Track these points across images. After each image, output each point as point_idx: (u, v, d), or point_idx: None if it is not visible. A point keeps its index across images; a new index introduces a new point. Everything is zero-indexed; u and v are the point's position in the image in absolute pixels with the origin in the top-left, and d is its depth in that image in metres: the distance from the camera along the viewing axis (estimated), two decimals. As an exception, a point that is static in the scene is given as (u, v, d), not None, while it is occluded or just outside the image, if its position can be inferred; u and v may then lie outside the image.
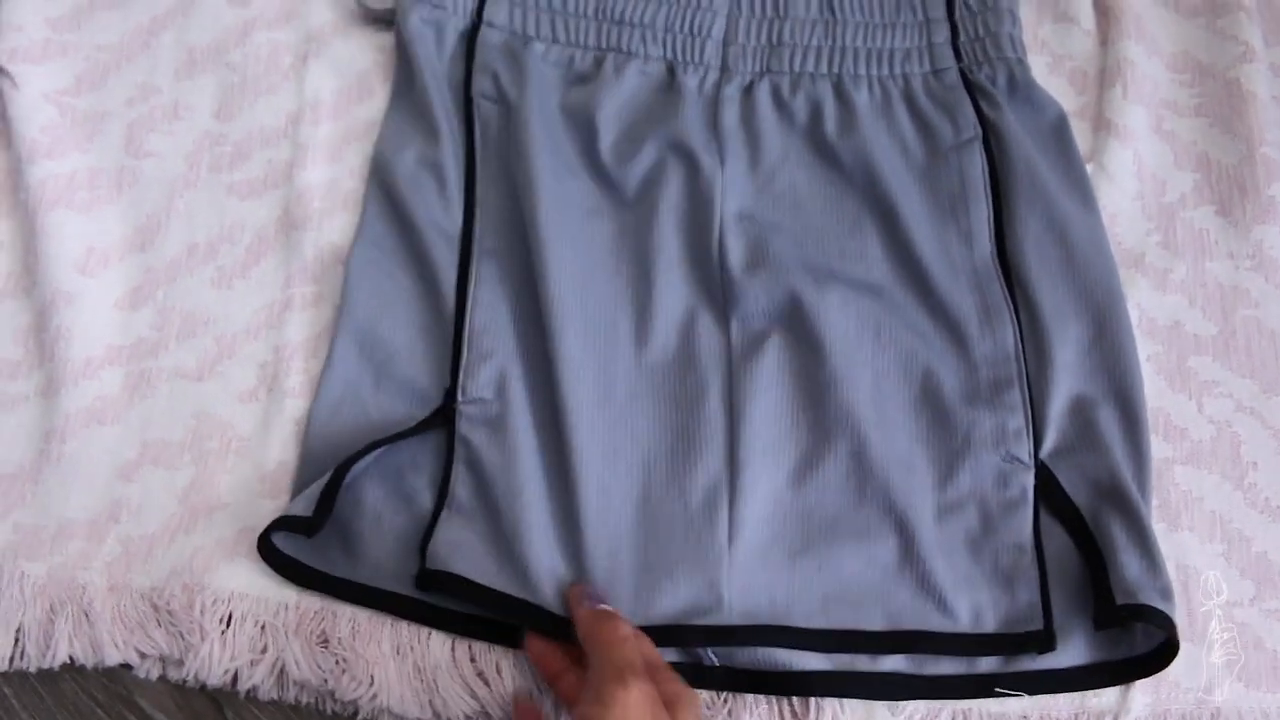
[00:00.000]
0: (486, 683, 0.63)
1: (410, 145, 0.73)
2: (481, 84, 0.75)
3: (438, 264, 0.69)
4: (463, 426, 0.65)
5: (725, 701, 0.63)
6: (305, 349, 0.70)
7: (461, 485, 0.64)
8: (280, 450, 0.67)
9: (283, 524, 0.61)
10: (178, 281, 0.73)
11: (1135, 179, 0.76)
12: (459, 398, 0.66)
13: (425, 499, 0.65)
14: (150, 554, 0.65)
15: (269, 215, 0.74)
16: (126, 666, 0.65)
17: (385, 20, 0.79)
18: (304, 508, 0.61)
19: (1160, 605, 0.60)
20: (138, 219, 0.74)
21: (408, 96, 0.75)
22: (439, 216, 0.71)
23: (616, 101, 0.74)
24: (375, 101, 0.77)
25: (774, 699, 0.63)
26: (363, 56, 0.79)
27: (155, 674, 0.64)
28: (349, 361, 0.68)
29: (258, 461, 0.67)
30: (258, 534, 0.63)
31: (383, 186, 0.72)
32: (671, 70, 0.76)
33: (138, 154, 0.76)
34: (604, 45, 0.76)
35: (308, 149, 0.75)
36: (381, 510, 0.64)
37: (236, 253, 0.73)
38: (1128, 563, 0.61)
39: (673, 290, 0.69)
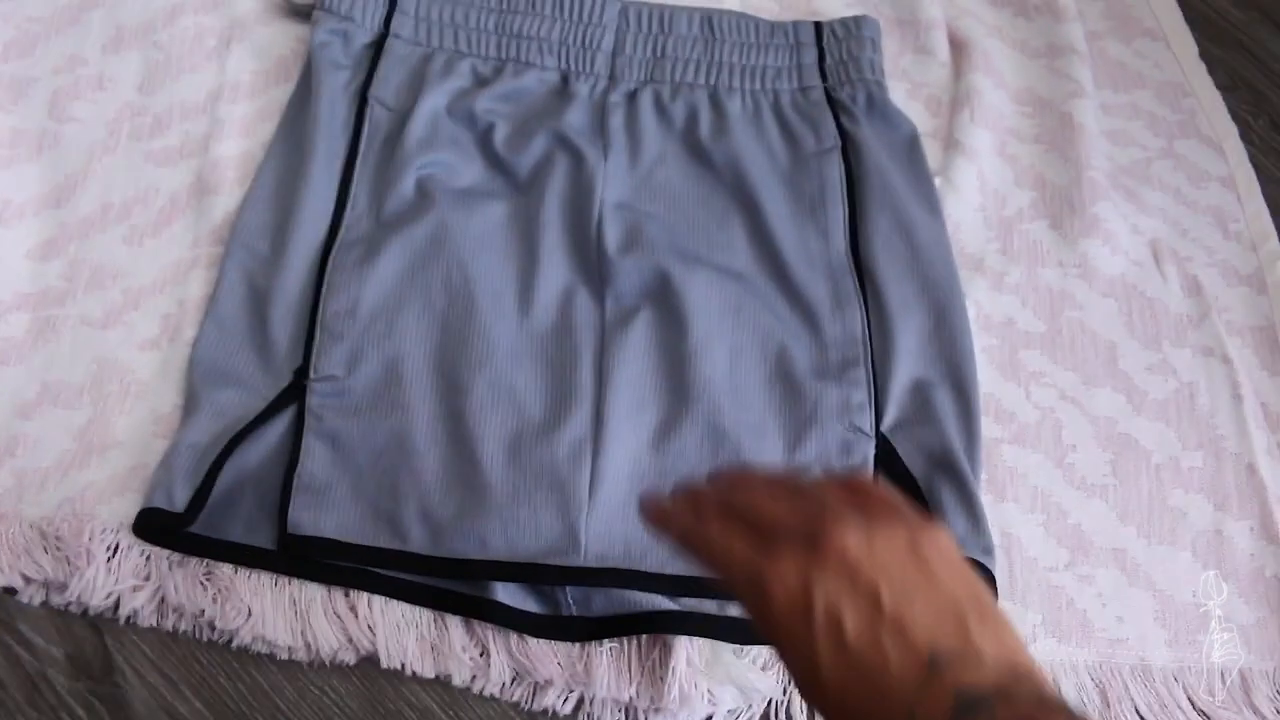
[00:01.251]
0: (357, 616, 0.66)
1: (298, 139, 0.78)
2: (379, 89, 0.80)
3: (304, 249, 0.74)
4: (314, 402, 0.69)
5: (583, 649, 0.66)
6: (208, 304, 0.73)
7: (312, 456, 0.67)
8: (177, 395, 0.71)
9: (155, 517, 0.64)
10: (90, 237, 0.76)
11: (979, 193, 0.84)
12: (310, 375, 0.70)
13: (275, 468, 0.68)
14: (43, 486, 0.68)
15: (183, 181, 0.79)
16: (10, 592, 0.66)
17: (305, 13, 0.85)
18: (167, 498, 0.64)
19: (982, 559, 0.66)
20: (56, 178, 0.78)
21: (304, 99, 0.80)
22: (313, 206, 0.75)
23: (513, 100, 0.81)
24: (292, 85, 0.82)
25: (625, 640, 0.66)
26: (283, 43, 0.85)
27: (38, 599, 0.66)
28: (234, 306, 0.72)
29: (154, 405, 0.70)
30: (151, 470, 0.66)
31: (271, 168, 0.77)
32: (565, 78, 0.83)
33: (60, 118, 0.80)
34: (503, 56, 0.82)
35: (225, 123, 0.80)
36: (242, 480, 0.67)
37: (149, 214, 0.77)
38: (954, 522, 0.67)
39: (554, 268, 0.75)
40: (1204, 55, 0.94)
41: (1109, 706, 0.67)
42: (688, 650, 0.65)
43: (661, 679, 0.64)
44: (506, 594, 0.65)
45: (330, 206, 0.76)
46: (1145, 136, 0.89)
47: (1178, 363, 0.78)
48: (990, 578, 0.66)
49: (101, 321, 0.73)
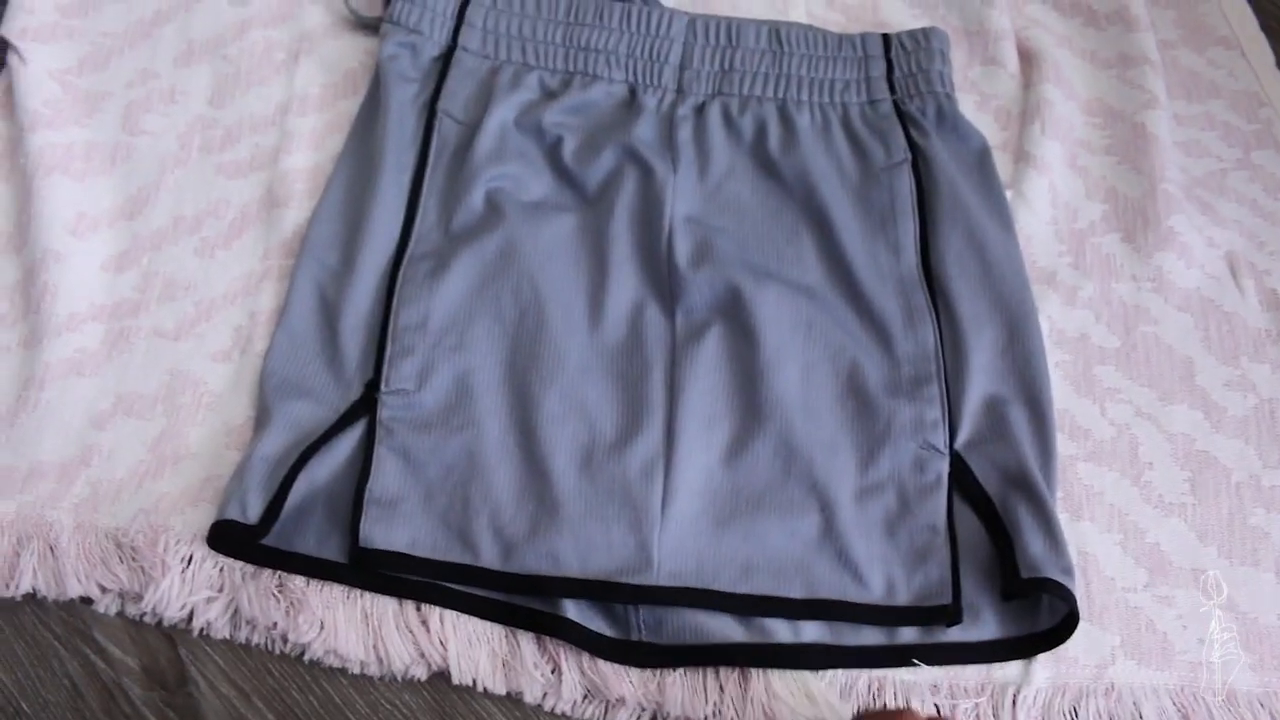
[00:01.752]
0: (429, 630, 0.66)
1: (367, 151, 0.78)
2: (448, 103, 0.80)
3: (374, 262, 0.74)
4: (384, 415, 0.69)
5: (656, 675, 0.65)
6: (279, 316, 0.73)
7: (383, 470, 0.67)
8: (249, 407, 0.71)
9: (229, 529, 0.64)
10: (163, 249, 0.77)
11: (1050, 206, 0.83)
12: (381, 388, 0.70)
13: (347, 482, 0.67)
14: (118, 496, 0.68)
15: (253, 194, 0.79)
16: (86, 601, 0.67)
17: (373, 26, 0.85)
18: (241, 510, 0.64)
19: (1062, 580, 0.65)
20: (129, 190, 0.79)
21: (373, 111, 0.80)
22: (383, 219, 0.75)
23: (581, 113, 0.81)
24: (360, 98, 0.83)
25: (702, 670, 0.65)
26: (351, 57, 0.85)
27: (114, 609, 0.67)
28: (305, 318, 0.72)
29: (227, 417, 0.71)
30: (223, 482, 0.66)
31: (340, 180, 0.78)
32: (633, 91, 0.82)
33: (133, 131, 0.81)
34: (571, 69, 0.82)
35: (294, 136, 0.81)
36: (314, 493, 0.67)
37: (220, 226, 0.78)
38: (1032, 541, 0.66)
39: (625, 281, 0.75)
40: (1280, 63, 0.92)
41: (1192, 732, 0.65)
42: (768, 671, 0.65)
43: (742, 699, 0.64)
44: (578, 612, 0.65)
45: (400, 219, 0.76)
46: (1220, 147, 0.87)
47: (1257, 378, 0.77)
48: (1070, 597, 0.65)
49: (174, 333, 0.74)
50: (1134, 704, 0.66)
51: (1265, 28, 0.94)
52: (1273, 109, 0.89)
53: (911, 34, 0.85)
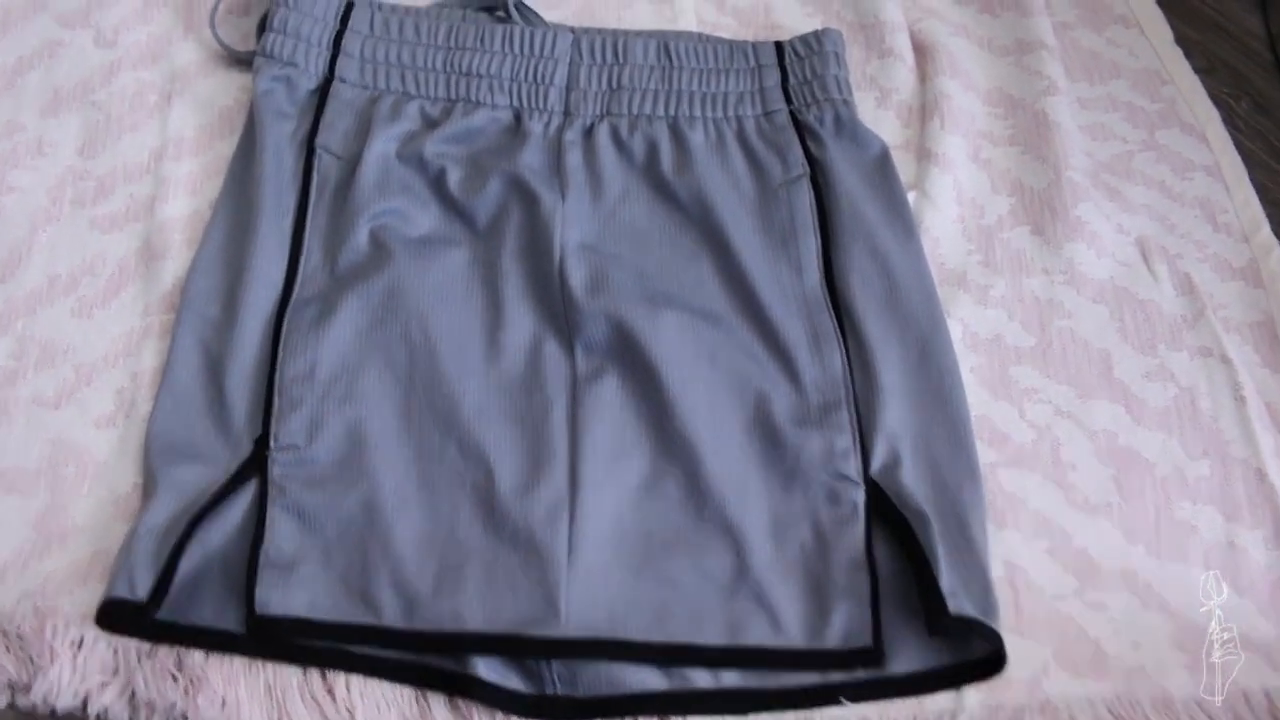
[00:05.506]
0: (334, 699, 0.63)
1: (245, 194, 0.75)
2: (326, 137, 0.77)
3: (258, 311, 0.71)
4: (275, 473, 0.66)
5: None
6: (162, 375, 0.70)
7: (278, 531, 0.64)
8: (136, 474, 0.68)
9: (118, 607, 0.61)
10: (38, 312, 0.73)
11: (956, 204, 0.81)
12: (270, 445, 0.67)
13: (241, 546, 0.65)
14: (2, 580, 0.65)
15: (130, 247, 0.76)
16: (-27, 694, 0.63)
17: (247, 61, 0.82)
18: (129, 587, 0.61)
19: (984, 617, 0.63)
20: (-1, 252, 0.75)
21: (249, 152, 0.77)
22: (264, 265, 0.72)
23: (465, 142, 0.78)
24: (236, 138, 0.79)
25: None
26: (225, 95, 0.82)
27: (3, 702, 0.63)
28: (188, 375, 0.69)
29: (113, 486, 0.68)
30: (112, 557, 0.63)
31: (219, 227, 0.74)
32: (518, 116, 0.79)
33: (0, 188, 0.77)
34: (453, 96, 0.79)
35: (170, 183, 0.78)
36: (208, 559, 0.64)
37: (97, 283, 0.75)
38: (953, 572, 0.64)
39: (520, 316, 0.72)
40: (1179, 39, 0.91)
41: (1130, 741, 0.64)
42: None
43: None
44: (489, 668, 0.63)
45: (283, 264, 0.73)
46: (1125, 129, 0.86)
47: (1175, 367, 0.75)
48: (994, 637, 0.63)
49: (54, 401, 0.71)
50: (1070, 717, 0.64)
51: (1162, 3, 0.93)
52: (1174, 86, 0.88)
53: (804, 39, 0.83)
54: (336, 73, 0.79)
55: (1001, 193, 0.82)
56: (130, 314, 0.74)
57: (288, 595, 0.63)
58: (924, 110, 0.85)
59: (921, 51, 0.87)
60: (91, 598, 0.64)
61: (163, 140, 0.80)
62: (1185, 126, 0.86)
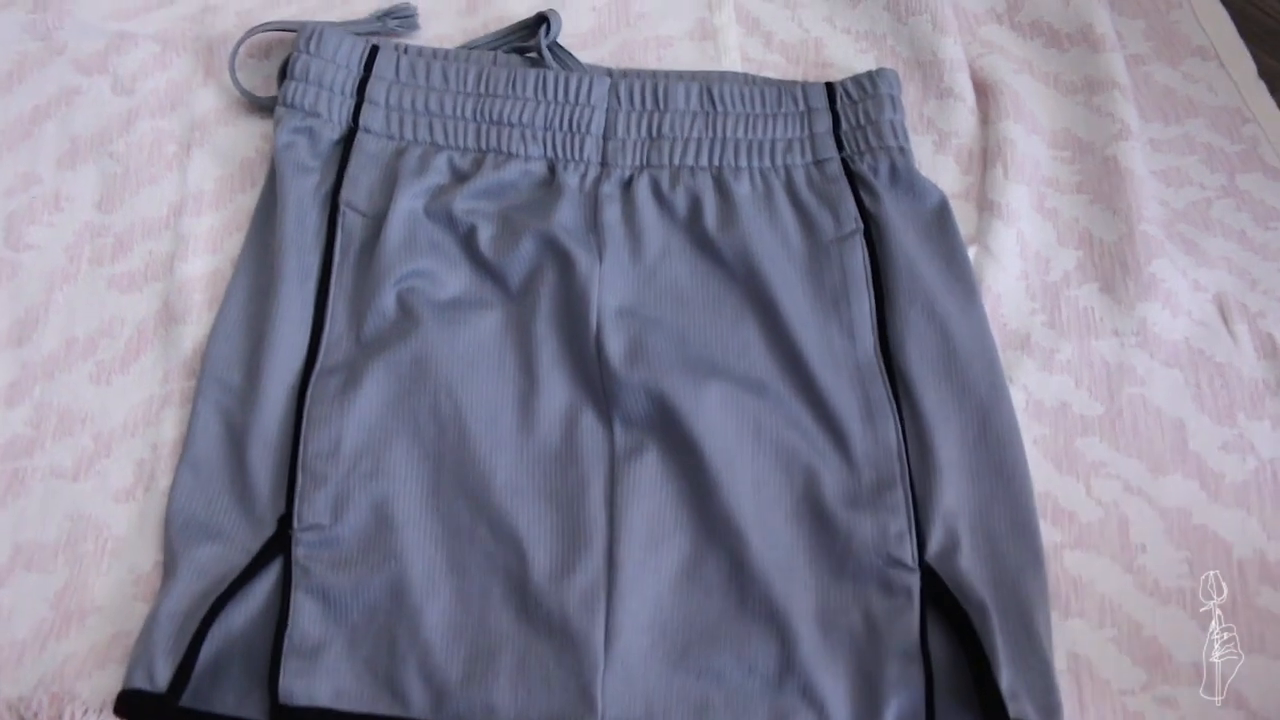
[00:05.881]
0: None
1: (267, 254, 0.72)
2: (350, 192, 0.74)
3: (280, 380, 0.68)
4: (300, 554, 0.63)
5: None
6: (182, 448, 0.68)
7: (303, 614, 0.62)
8: (156, 550, 0.66)
9: (137, 699, 0.59)
10: (55, 377, 0.71)
11: (1019, 259, 0.76)
12: (294, 524, 0.64)
13: (264, 630, 0.62)
14: (20, 661, 0.63)
15: (149, 308, 0.73)
16: (-9, 783, 0.62)
17: (269, 108, 0.79)
18: (148, 678, 0.59)
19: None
20: (16, 312, 0.73)
21: (271, 208, 0.74)
22: (287, 331, 0.69)
23: (496, 197, 0.74)
24: (259, 190, 0.76)
25: None
26: (247, 144, 0.79)
27: (21, 790, 0.62)
28: (209, 448, 0.67)
29: (133, 563, 0.66)
30: (132, 638, 0.61)
31: (239, 289, 0.72)
32: (552, 168, 0.75)
33: (17, 246, 0.75)
34: (483, 147, 0.75)
35: (189, 240, 0.75)
36: (230, 644, 0.62)
37: (116, 347, 0.72)
38: (1013, 667, 0.60)
39: (555, 387, 0.68)
40: (1264, 72, 0.85)
41: None
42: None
43: None
44: (521, 762, 0.60)
45: (306, 330, 0.70)
46: (1202, 174, 0.80)
47: (1256, 437, 0.70)
48: None
49: (72, 472, 0.69)
50: (1135, 827, 0.60)
51: (1244, 33, 0.86)
52: (1258, 125, 0.82)
53: (857, 80, 0.77)
54: (361, 122, 0.76)
55: (1069, 245, 0.77)
56: (150, 380, 0.71)
57: (312, 684, 0.60)
58: (985, 155, 0.80)
59: (983, 91, 0.82)
60: (111, 682, 0.62)
61: (182, 194, 0.77)
62: (1269, 170, 0.80)
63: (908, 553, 0.64)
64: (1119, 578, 0.66)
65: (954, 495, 0.66)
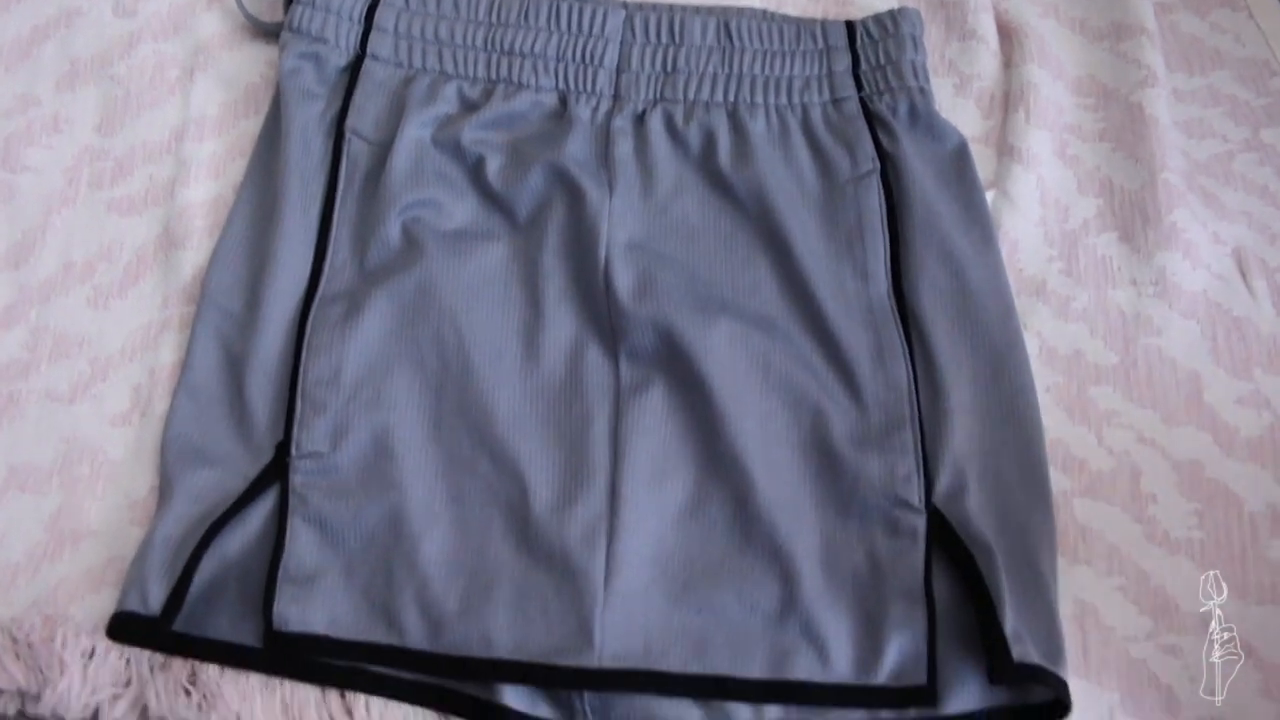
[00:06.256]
0: (353, 719, 0.60)
1: (270, 181, 0.71)
2: (357, 120, 0.72)
3: (281, 307, 0.67)
4: (297, 481, 0.63)
5: None
6: (180, 373, 0.67)
7: (298, 543, 0.61)
8: (152, 475, 0.65)
9: (130, 620, 0.58)
10: (52, 301, 0.70)
11: (1038, 205, 0.75)
12: (292, 451, 0.63)
13: (260, 556, 0.62)
14: (13, 583, 0.63)
15: (149, 233, 0.72)
16: (-17, 702, 0.62)
17: (274, 33, 0.77)
18: (141, 600, 0.58)
19: (1044, 663, 0.58)
20: (13, 235, 0.72)
21: (275, 134, 0.72)
22: (289, 258, 0.68)
23: (506, 128, 0.73)
24: (262, 117, 0.75)
25: None
26: (251, 70, 0.77)
27: (12, 709, 0.61)
28: (207, 374, 0.66)
29: (129, 488, 0.65)
30: (127, 562, 0.61)
31: (241, 215, 0.71)
32: (563, 100, 0.74)
33: (14, 168, 0.74)
34: (494, 77, 0.74)
35: (191, 165, 0.73)
36: (225, 570, 0.61)
37: (114, 272, 0.71)
38: (1019, 612, 0.59)
39: (561, 319, 0.67)
40: (1293, 24, 0.83)
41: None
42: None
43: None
44: (516, 695, 0.60)
45: (308, 256, 0.69)
46: (1226, 126, 0.79)
47: (1272, 393, 0.69)
48: (1060, 685, 0.58)
49: (68, 395, 0.68)
50: (1136, 772, 0.60)
51: (1275, -17, 0.85)
52: (1285, 78, 0.80)
53: (878, 19, 0.76)
54: (369, 49, 0.74)
55: (1089, 194, 0.76)
56: (149, 305, 0.70)
57: (307, 611, 0.60)
58: (1007, 100, 0.78)
59: (1007, 34, 0.80)
60: (105, 605, 0.62)
61: (184, 118, 0.75)
62: (1294, 124, 0.79)
63: (915, 494, 0.63)
64: (1128, 527, 0.66)
65: (964, 438, 0.65)
